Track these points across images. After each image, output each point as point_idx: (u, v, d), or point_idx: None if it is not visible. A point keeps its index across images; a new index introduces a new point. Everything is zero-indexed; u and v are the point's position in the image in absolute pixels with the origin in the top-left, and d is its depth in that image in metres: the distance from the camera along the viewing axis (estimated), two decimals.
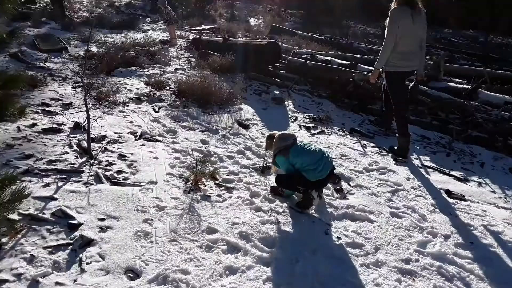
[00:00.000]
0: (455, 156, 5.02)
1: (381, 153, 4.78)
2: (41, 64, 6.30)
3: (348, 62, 7.86)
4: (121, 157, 3.67)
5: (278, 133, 3.52)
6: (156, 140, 4.20)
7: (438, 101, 6.17)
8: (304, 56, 8.89)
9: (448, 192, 3.98)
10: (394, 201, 3.65)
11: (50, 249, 2.41)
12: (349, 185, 3.86)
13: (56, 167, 3.29)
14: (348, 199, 3.59)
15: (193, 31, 12.52)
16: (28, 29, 7.94)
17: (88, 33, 8.31)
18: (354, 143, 4.99)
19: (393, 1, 4.47)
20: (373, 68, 4.83)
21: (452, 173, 4.49)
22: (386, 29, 4.44)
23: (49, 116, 4.35)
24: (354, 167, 4.27)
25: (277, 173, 3.52)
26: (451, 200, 3.82)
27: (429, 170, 4.51)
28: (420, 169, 4.49)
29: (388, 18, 4.44)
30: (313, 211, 3.30)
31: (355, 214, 3.34)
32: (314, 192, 3.26)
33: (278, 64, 8.27)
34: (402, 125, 4.73)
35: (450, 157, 4.99)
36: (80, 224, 2.64)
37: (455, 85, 6.92)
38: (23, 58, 6.32)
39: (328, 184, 3.65)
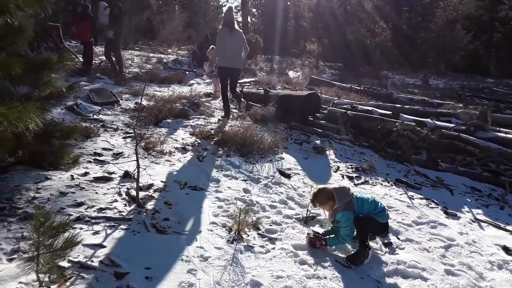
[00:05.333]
0: (509, 210, 4.72)
1: (430, 206, 4.57)
2: (95, 116, 6.70)
3: (390, 112, 7.81)
4: (167, 205, 3.75)
5: (330, 187, 3.41)
6: (200, 189, 4.26)
7: (487, 151, 5.92)
8: (344, 106, 8.95)
9: (506, 249, 3.72)
10: (448, 258, 3.43)
11: None
12: (398, 239, 3.69)
13: (105, 214, 3.40)
14: (398, 254, 3.41)
15: None
16: (84, 83, 8.54)
17: (138, 87, 8.87)
18: (401, 194, 4.81)
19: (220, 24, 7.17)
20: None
21: (508, 227, 4.20)
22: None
23: (100, 165, 4.56)
24: (402, 219, 4.10)
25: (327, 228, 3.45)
26: (509, 257, 3.55)
27: (483, 224, 4.24)
28: (473, 223, 4.24)
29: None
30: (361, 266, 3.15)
31: (406, 270, 3.15)
32: (370, 251, 3.15)
33: (318, 114, 8.35)
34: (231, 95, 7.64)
35: (504, 210, 4.70)
36: (126, 273, 2.66)
37: (504, 135, 6.64)
38: (78, 111, 6.76)
39: (376, 238, 3.51)
